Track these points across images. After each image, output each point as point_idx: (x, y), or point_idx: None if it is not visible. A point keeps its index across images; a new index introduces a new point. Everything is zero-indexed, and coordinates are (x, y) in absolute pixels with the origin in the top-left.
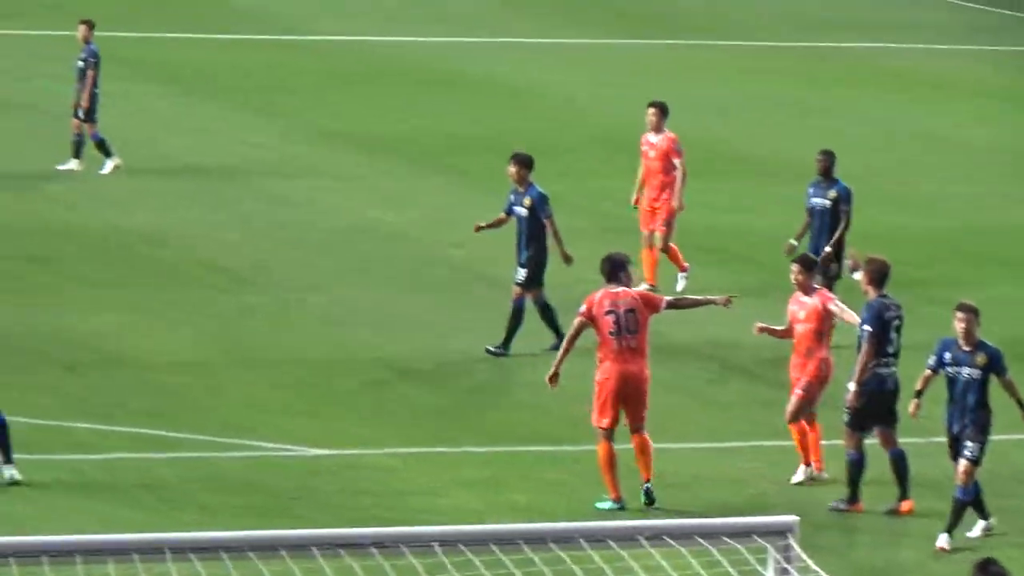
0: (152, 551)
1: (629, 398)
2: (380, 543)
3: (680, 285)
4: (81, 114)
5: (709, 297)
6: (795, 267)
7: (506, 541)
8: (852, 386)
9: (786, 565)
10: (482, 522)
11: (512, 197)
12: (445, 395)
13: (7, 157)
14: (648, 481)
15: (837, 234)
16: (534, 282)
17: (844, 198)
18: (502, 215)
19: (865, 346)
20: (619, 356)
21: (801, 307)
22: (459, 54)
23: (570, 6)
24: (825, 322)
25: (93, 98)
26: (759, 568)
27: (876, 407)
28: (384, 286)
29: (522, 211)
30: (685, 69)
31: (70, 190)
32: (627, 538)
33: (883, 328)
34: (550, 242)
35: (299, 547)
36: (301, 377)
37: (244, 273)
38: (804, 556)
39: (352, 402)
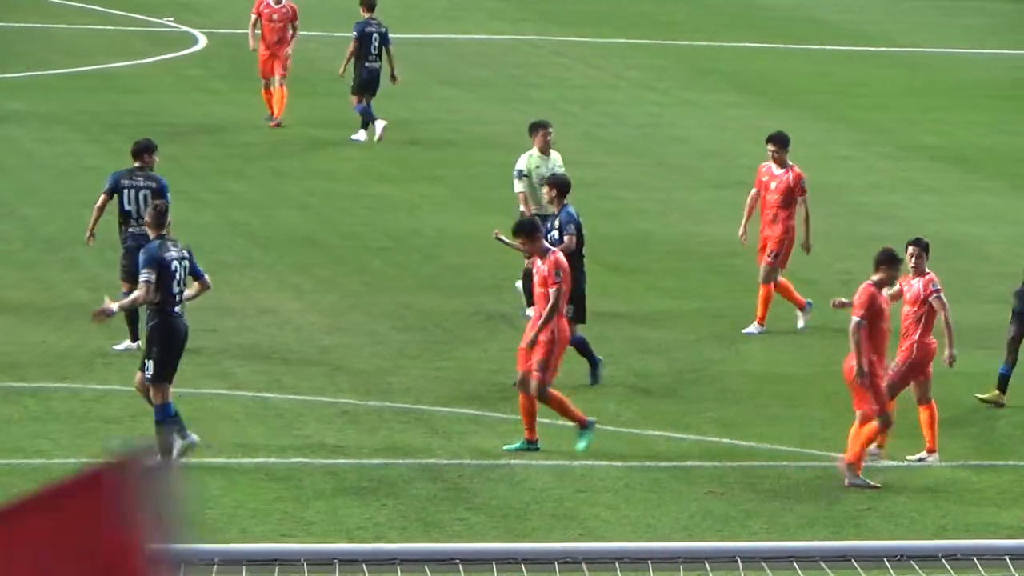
0: (723, 559)
1: None
2: (951, 555)
3: (801, 323)
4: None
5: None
6: (912, 249)
7: None
8: None
9: None
10: None
11: (547, 223)
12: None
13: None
14: None
15: None
16: (582, 313)
17: None
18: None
19: None
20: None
21: (908, 289)
22: None
23: None
24: (923, 306)
25: (360, 72)
26: None
27: None
28: (957, 300)
29: (554, 234)
30: None
31: (644, 199)
32: None
33: None
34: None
35: (871, 558)
36: None
37: (826, 286)
38: None
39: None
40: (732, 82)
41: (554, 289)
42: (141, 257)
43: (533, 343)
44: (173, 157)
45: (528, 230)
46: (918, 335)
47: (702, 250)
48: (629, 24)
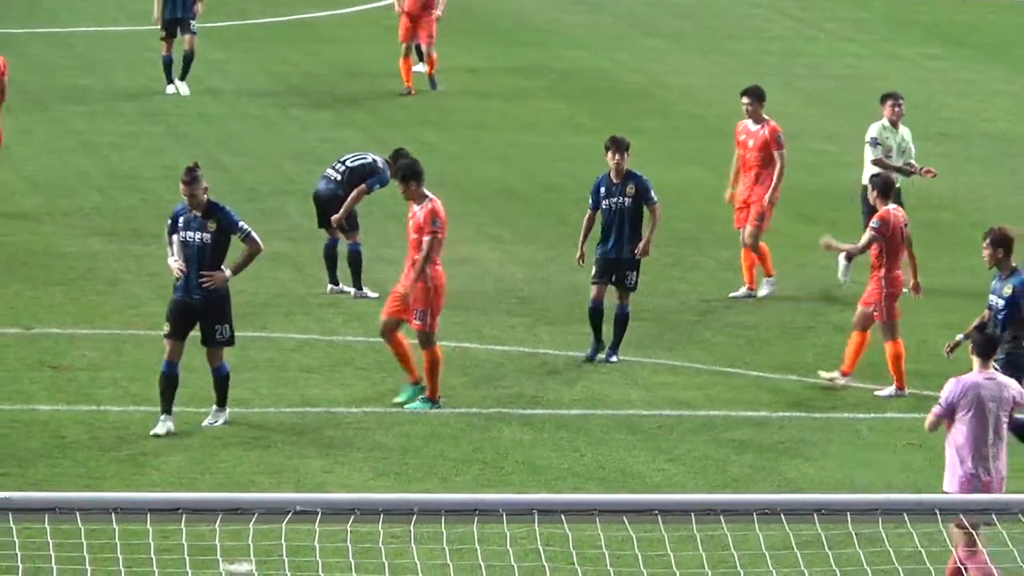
0: (922, 511)
1: None
2: None
3: (764, 291)
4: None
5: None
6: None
7: None
8: None
9: None
10: None
11: (603, 190)
12: None
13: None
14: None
15: None
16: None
17: None
18: (589, 212)
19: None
20: None
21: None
22: None
23: None
24: (886, 242)
25: None
26: None
27: None
28: None
29: (624, 200)
30: None
31: (844, 151)
32: None
33: None
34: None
35: None
36: None
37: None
38: None
39: None
40: (934, 34)
41: (428, 238)
42: (233, 215)
43: (407, 296)
44: (373, 109)
45: (406, 174)
46: (882, 271)
47: (905, 202)
48: None
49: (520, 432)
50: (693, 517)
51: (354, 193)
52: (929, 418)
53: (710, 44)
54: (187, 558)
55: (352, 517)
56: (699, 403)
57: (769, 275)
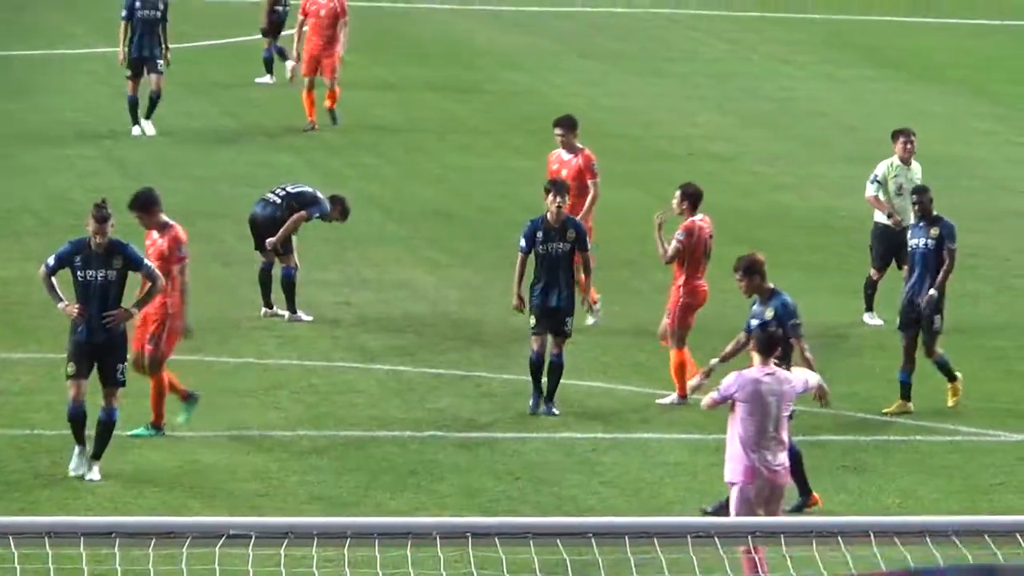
0: (856, 533)
1: None
2: None
3: (590, 320)
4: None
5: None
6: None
7: None
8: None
9: None
10: None
11: (540, 234)
12: None
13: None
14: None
15: (941, 276)
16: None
17: (949, 236)
18: (521, 256)
19: (801, 338)
20: None
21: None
22: None
23: None
24: (687, 251)
25: (272, 15)
26: None
27: None
28: None
29: (564, 246)
30: None
31: (780, 173)
32: None
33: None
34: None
35: (1004, 532)
36: (1008, 362)
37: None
38: None
39: None
40: (870, 56)
41: (178, 266)
42: (138, 252)
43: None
44: (309, 134)
45: (142, 203)
46: (681, 279)
47: (841, 224)
48: None
49: (455, 455)
50: (627, 540)
51: (294, 217)
52: (706, 400)
53: (647, 66)
54: None
55: (286, 541)
56: (634, 426)
57: (588, 303)
